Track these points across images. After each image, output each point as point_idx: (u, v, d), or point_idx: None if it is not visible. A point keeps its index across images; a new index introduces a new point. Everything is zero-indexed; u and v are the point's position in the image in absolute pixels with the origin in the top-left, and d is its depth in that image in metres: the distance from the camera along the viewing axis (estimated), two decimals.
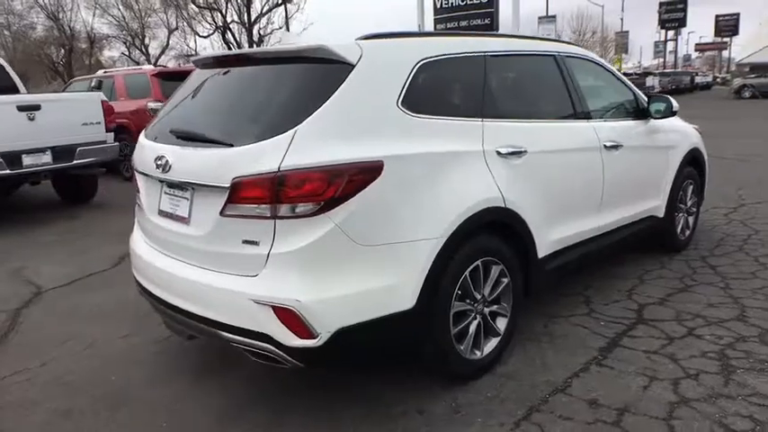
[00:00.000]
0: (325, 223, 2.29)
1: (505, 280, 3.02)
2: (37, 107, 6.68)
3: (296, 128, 2.31)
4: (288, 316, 2.29)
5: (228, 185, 2.35)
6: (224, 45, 33.18)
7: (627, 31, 58.53)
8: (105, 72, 12.06)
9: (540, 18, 36.48)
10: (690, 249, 4.91)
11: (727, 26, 58.49)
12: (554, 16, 38.06)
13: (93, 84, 10.66)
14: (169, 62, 38.03)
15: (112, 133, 7.55)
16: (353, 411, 2.75)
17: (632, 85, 4.30)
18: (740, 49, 59.78)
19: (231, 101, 2.81)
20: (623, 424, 2.55)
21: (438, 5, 16.41)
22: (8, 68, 8.48)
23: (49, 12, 34.88)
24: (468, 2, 15.88)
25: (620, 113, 4.11)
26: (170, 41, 39.13)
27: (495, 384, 2.92)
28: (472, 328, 2.89)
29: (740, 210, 6.24)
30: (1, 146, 6.45)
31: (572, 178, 3.47)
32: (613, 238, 3.91)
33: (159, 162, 2.67)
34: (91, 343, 3.63)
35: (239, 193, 2.34)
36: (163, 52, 39.42)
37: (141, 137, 3.10)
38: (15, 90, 8.24)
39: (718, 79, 54.89)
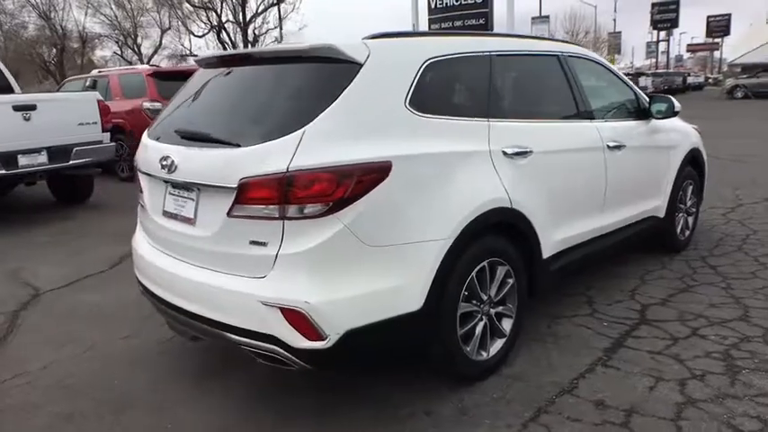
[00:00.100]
0: (333, 224, 2.28)
1: (511, 281, 3.01)
2: (33, 107, 6.62)
3: (304, 128, 2.29)
4: (296, 318, 2.28)
5: (236, 186, 2.33)
6: (219, 44, 33.08)
7: (619, 32, 58.90)
8: (100, 72, 11.97)
9: (533, 18, 36.63)
10: (689, 249, 4.93)
11: (719, 27, 58.78)
12: (547, 17, 38.24)
13: (87, 83, 10.58)
14: (162, 62, 37.90)
15: (109, 133, 7.48)
16: (361, 413, 2.73)
17: (633, 85, 4.31)
18: (731, 49, 60.10)
19: (237, 101, 2.79)
20: (631, 425, 2.54)
21: (433, 5, 16.40)
22: (3, 68, 8.41)
23: (41, 11, 34.68)
24: (463, 2, 15.88)
25: (622, 113, 4.11)
26: (163, 41, 39.01)
27: (502, 385, 2.91)
28: (478, 329, 2.88)
29: (738, 210, 6.27)
30: None
31: (576, 178, 3.47)
32: (616, 238, 3.91)
33: (164, 162, 2.64)
34: (91, 345, 3.59)
35: (247, 193, 2.31)
36: (156, 52, 39.28)
37: (144, 137, 3.07)
38: (10, 90, 8.17)
39: (710, 80, 55.18)
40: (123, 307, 4.15)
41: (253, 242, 2.35)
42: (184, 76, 10.06)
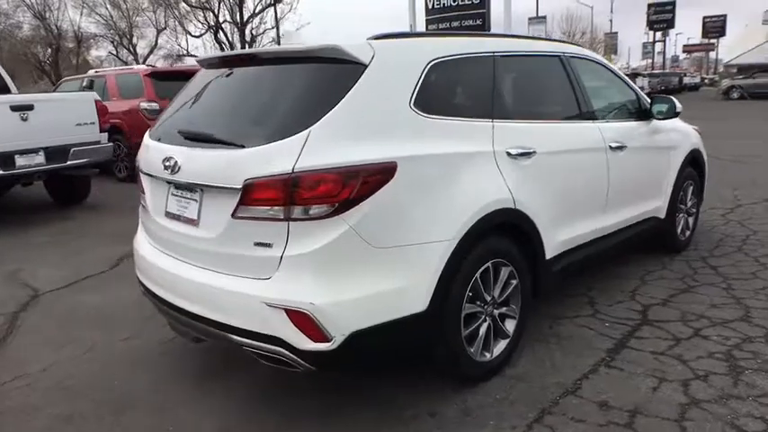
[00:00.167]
0: (339, 225, 2.27)
1: (514, 281, 3.01)
2: (30, 107, 6.58)
3: (309, 129, 2.28)
4: (301, 319, 2.26)
5: (240, 187, 2.32)
6: (216, 45, 33.00)
7: (616, 32, 58.94)
8: (97, 72, 11.93)
9: (530, 19, 36.65)
10: (690, 250, 4.93)
11: (715, 27, 58.97)
12: (544, 17, 38.26)
13: (84, 84, 10.54)
14: (157, 62, 37.77)
15: (106, 134, 7.45)
16: (365, 414, 2.72)
17: (635, 86, 4.31)
18: (727, 50, 60.47)
19: (240, 101, 2.77)
20: (636, 426, 2.54)
21: (430, 6, 16.40)
22: (0, 68, 8.36)
23: (36, 11, 34.55)
24: (460, 2, 15.88)
25: (624, 114, 4.12)
26: (158, 41, 38.90)
27: (505, 386, 2.90)
28: (482, 330, 2.88)
29: (737, 210, 6.28)
30: None
31: (578, 179, 3.46)
32: (617, 239, 3.92)
33: (168, 163, 2.63)
34: (91, 346, 3.58)
35: (252, 194, 2.30)
36: (151, 52, 39.17)
37: (146, 137, 3.05)
38: (7, 90, 8.13)
39: (706, 80, 55.34)
40: (123, 308, 4.13)
41: (257, 243, 2.33)
42: (182, 76, 10.11)
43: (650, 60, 61.41)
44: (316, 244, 2.27)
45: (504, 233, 2.91)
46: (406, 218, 2.44)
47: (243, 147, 2.39)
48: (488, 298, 2.88)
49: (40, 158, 6.74)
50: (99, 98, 7.52)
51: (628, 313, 3.72)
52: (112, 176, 9.79)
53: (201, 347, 3.37)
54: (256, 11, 32.43)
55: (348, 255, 2.31)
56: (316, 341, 2.28)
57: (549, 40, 3.98)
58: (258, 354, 2.45)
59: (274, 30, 31.55)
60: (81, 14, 36.47)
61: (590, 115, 3.66)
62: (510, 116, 3.03)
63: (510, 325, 3.05)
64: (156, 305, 2.96)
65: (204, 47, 34.77)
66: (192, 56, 35.64)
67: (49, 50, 36.92)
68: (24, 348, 3.62)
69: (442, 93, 2.77)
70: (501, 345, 3.00)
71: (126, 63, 35.78)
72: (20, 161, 6.58)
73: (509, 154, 2.91)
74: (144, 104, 9.40)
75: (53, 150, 6.82)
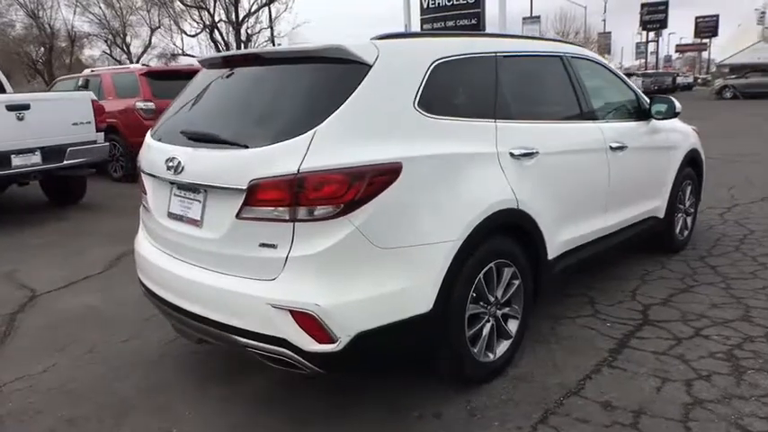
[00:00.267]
0: (344, 226, 2.26)
1: (517, 282, 3.01)
2: (26, 107, 6.54)
3: (315, 129, 2.27)
4: (307, 320, 2.26)
5: (245, 188, 2.31)
6: (211, 44, 32.88)
7: (609, 32, 59.23)
8: (92, 71, 11.86)
9: (524, 19, 36.73)
10: (688, 249, 4.95)
11: (707, 28, 59.27)
12: (538, 17, 38.34)
13: (79, 83, 10.48)
14: (151, 61, 37.61)
15: (103, 133, 7.41)
16: (370, 415, 2.72)
17: (634, 86, 4.32)
18: (720, 50, 60.66)
19: (244, 101, 2.76)
20: (641, 426, 2.54)
21: (425, 5, 16.42)
22: None
23: (29, 9, 34.33)
24: (455, 2, 15.91)
25: (624, 114, 4.13)
26: (152, 40, 38.73)
27: (508, 387, 2.90)
28: (485, 330, 2.87)
29: (734, 210, 6.31)
30: None
31: (580, 179, 3.47)
32: (617, 239, 3.93)
33: (171, 164, 2.61)
34: (91, 348, 3.55)
35: (257, 195, 2.29)
36: (145, 51, 39.00)
37: (148, 137, 3.03)
38: (2, 89, 8.08)
39: (699, 80, 55.58)
40: (122, 309, 4.12)
41: (262, 244, 2.32)
42: (178, 75, 10.08)
43: (643, 60, 61.62)
44: (321, 245, 2.26)
45: (507, 234, 2.91)
46: (410, 218, 2.43)
47: (247, 147, 2.38)
48: (491, 298, 2.87)
49: (36, 158, 6.70)
50: (95, 98, 7.48)
51: (628, 313, 3.72)
52: (107, 176, 9.74)
53: (202, 348, 3.35)
54: (252, 10, 32.34)
55: (353, 256, 2.31)
56: (321, 342, 2.27)
57: (550, 40, 3.98)
58: (262, 355, 2.44)
59: (270, 29, 31.51)
60: (74, 13, 36.30)
61: (591, 115, 3.67)
62: (512, 116, 3.03)
63: (512, 325, 3.06)
64: (157, 306, 2.95)
65: (199, 46, 34.65)
66: (187, 55, 35.52)
67: (42, 49, 36.72)
68: (23, 350, 3.59)
69: (445, 93, 2.77)
70: (504, 345, 3.00)
71: (119, 62, 35.60)
72: (16, 161, 6.53)
73: (512, 154, 2.91)
74: (140, 104, 9.36)
75: (49, 150, 6.77)
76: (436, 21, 16.20)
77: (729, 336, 3.34)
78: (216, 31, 32.86)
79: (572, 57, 3.70)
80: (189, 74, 9.40)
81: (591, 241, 3.62)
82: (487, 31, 14.70)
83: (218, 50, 31.66)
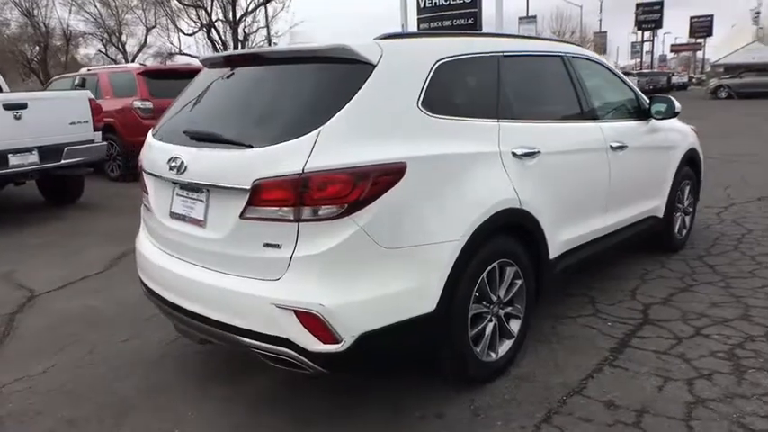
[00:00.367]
0: (349, 226, 2.25)
1: (519, 281, 3.01)
2: (23, 106, 6.50)
3: (319, 129, 2.27)
4: (311, 320, 2.25)
5: (249, 188, 2.30)
6: (209, 43, 32.77)
7: (605, 32, 59.25)
8: (89, 70, 11.82)
9: (520, 18, 36.78)
10: (687, 249, 4.96)
11: (702, 27, 59.41)
12: (534, 16, 38.40)
13: (76, 82, 10.43)
14: (147, 60, 37.48)
15: (100, 132, 7.38)
16: (373, 416, 2.72)
17: (634, 86, 4.33)
18: (714, 50, 60.86)
19: (247, 101, 2.75)
20: (643, 425, 2.55)
21: (422, 5, 16.45)
22: None
23: (24, 8, 34.16)
24: (452, 1, 15.95)
25: (624, 114, 4.14)
26: (148, 39, 38.61)
27: (511, 386, 2.90)
28: (488, 330, 2.88)
29: (731, 209, 6.33)
30: None
31: (581, 179, 3.48)
32: (617, 238, 3.94)
33: (173, 164, 2.60)
34: (91, 348, 3.54)
35: (261, 195, 2.29)
36: (140, 50, 38.88)
37: (149, 137, 3.02)
38: None
39: (694, 80, 55.76)
40: (122, 309, 4.10)
41: (266, 244, 2.32)
42: (175, 74, 10.05)
43: (639, 60, 61.77)
44: (325, 245, 2.25)
45: (509, 233, 2.91)
46: (415, 218, 2.43)
47: (251, 147, 2.37)
48: (494, 298, 2.88)
49: (33, 158, 6.67)
50: (93, 97, 7.45)
51: (629, 312, 3.73)
52: (105, 176, 9.70)
53: (203, 348, 3.34)
54: (249, 9, 32.24)
55: (358, 256, 2.30)
56: (325, 342, 2.27)
57: (551, 40, 3.99)
58: (266, 355, 2.43)
59: (266, 29, 31.43)
60: (69, 12, 36.13)
61: (591, 115, 3.68)
62: (514, 116, 3.03)
63: (515, 325, 3.06)
64: (159, 306, 2.93)
65: (197, 45, 34.55)
66: (184, 54, 35.41)
67: (37, 48, 36.54)
68: (23, 350, 3.57)
69: (448, 93, 2.77)
70: (506, 345, 3.01)
71: (115, 61, 35.48)
72: (13, 160, 6.50)
73: (514, 154, 2.91)
74: (137, 103, 9.33)
75: (47, 149, 6.74)
76: (433, 20, 16.23)
77: (730, 335, 3.35)
78: (213, 30, 32.75)
79: (572, 56, 3.71)
80: (187, 73, 9.46)
81: (591, 241, 3.62)
82: (484, 30, 14.72)
83: (216, 50, 31.56)
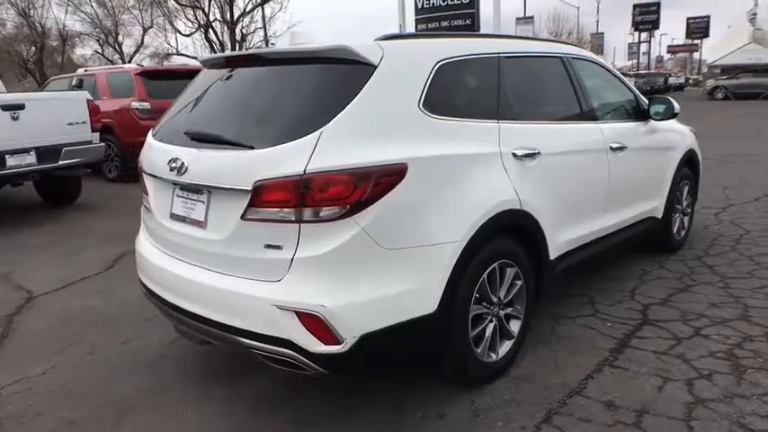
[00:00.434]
0: (350, 227, 2.26)
1: (519, 282, 3.02)
2: (21, 106, 6.49)
3: (321, 130, 2.27)
4: (312, 322, 2.25)
5: (250, 189, 2.30)
6: (206, 44, 32.70)
7: (602, 33, 59.46)
8: (86, 70, 11.80)
9: (517, 19, 36.80)
10: (685, 249, 4.98)
11: (698, 28, 59.50)
12: (532, 17, 38.41)
13: (73, 82, 10.42)
14: (143, 60, 37.40)
15: (98, 133, 7.37)
16: (374, 416, 2.72)
17: (633, 87, 4.34)
18: (711, 51, 60.86)
19: (248, 102, 2.75)
20: (644, 425, 2.55)
21: (419, 6, 16.43)
22: None
23: (20, 8, 34.03)
24: (450, 2, 15.93)
25: (623, 115, 4.15)
26: (145, 39, 38.52)
27: (511, 387, 2.91)
28: (488, 331, 2.88)
29: (729, 210, 6.35)
30: None
31: (580, 180, 3.49)
32: (616, 239, 3.94)
33: (174, 164, 2.60)
34: (91, 349, 3.53)
35: (262, 196, 2.28)
36: (137, 50, 38.78)
37: (149, 138, 3.02)
38: None
39: (691, 80, 55.90)
40: (121, 309, 4.09)
41: (268, 245, 2.32)
42: (173, 75, 10.03)
43: (635, 61, 61.89)
44: (327, 246, 2.25)
45: (509, 234, 2.91)
46: (416, 219, 2.44)
47: (252, 148, 2.37)
48: (494, 299, 2.88)
49: (31, 158, 6.65)
50: (91, 97, 7.44)
51: (628, 313, 3.74)
52: (102, 176, 9.69)
53: (203, 349, 3.34)
54: (247, 10, 32.16)
55: (359, 257, 2.30)
56: (327, 344, 2.27)
57: (551, 41, 4.00)
58: (267, 357, 2.43)
59: (263, 29, 31.35)
60: (66, 12, 36.00)
61: (591, 116, 3.68)
62: (515, 117, 3.04)
63: (515, 326, 3.06)
64: (159, 307, 2.93)
65: (194, 46, 34.46)
66: (182, 55, 35.33)
67: (33, 49, 36.42)
68: (22, 352, 3.57)
69: (449, 94, 2.77)
70: (506, 345, 3.01)
71: (111, 61, 35.39)
72: (10, 161, 6.48)
73: (515, 155, 2.92)
74: (135, 104, 9.32)
75: (44, 150, 6.73)
76: (431, 21, 16.21)
77: (729, 335, 3.36)
78: (211, 30, 32.67)
79: (572, 57, 3.72)
80: (184, 74, 9.47)
81: (591, 241, 3.63)
82: (482, 31, 14.74)
83: (213, 50, 31.49)
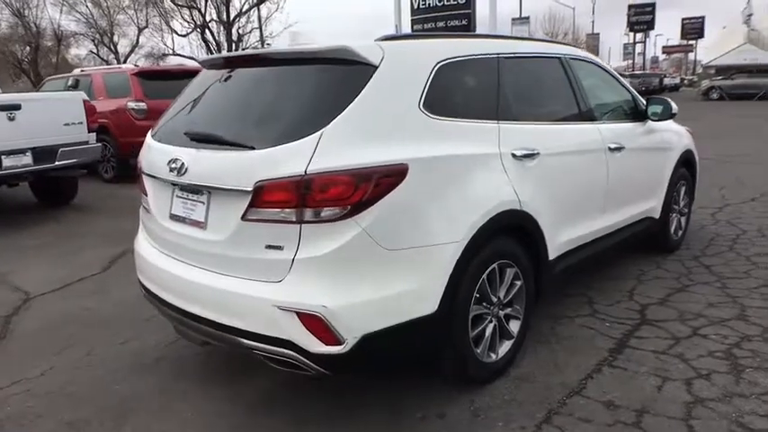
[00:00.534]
0: (351, 227, 2.26)
1: (519, 282, 3.02)
2: (17, 107, 6.45)
3: (321, 130, 2.27)
4: (313, 322, 2.25)
5: (251, 189, 2.30)
6: (202, 44, 32.64)
7: (597, 34, 59.56)
8: (83, 71, 11.76)
9: (513, 19, 36.88)
10: (682, 249, 4.99)
11: (693, 29, 59.69)
12: (527, 18, 38.51)
13: (69, 83, 10.38)
14: (139, 61, 37.29)
15: (94, 134, 7.35)
16: (374, 417, 2.72)
17: (631, 87, 4.35)
18: (705, 51, 61.15)
19: (248, 102, 2.75)
20: (643, 425, 2.56)
21: (415, 6, 16.41)
22: None
23: (14, 8, 33.88)
24: (446, 2, 15.92)
25: (621, 115, 4.16)
26: (140, 40, 38.40)
27: (511, 387, 2.91)
28: (488, 331, 2.89)
29: (725, 210, 6.37)
30: None
31: (579, 180, 3.50)
32: (615, 239, 3.96)
33: (174, 165, 2.59)
34: (89, 350, 3.52)
35: (263, 196, 2.28)
36: (132, 50, 38.67)
37: (148, 138, 3.01)
38: None
39: (686, 81, 56.06)
40: (120, 310, 4.08)
41: (268, 246, 2.31)
42: (170, 75, 10.01)
43: (631, 61, 62.07)
44: (328, 246, 2.25)
45: (509, 234, 2.92)
46: (416, 219, 2.44)
47: (253, 148, 2.37)
48: (494, 299, 2.89)
49: (27, 159, 6.62)
50: (87, 98, 7.42)
51: (627, 313, 3.75)
52: (98, 177, 9.66)
53: (204, 349, 3.33)
54: (243, 10, 32.11)
55: (360, 257, 2.30)
56: (327, 344, 2.27)
57: (549, 41, 4.01)
58: (268, 357, 2.43)
59: (262, 29, 31.32)
60: (60, 12, 35.85)
61: (590, 116, 3.69)
62: (514, 118, 3.04)
63: (514, 326, 3.07)
64: (158, 308, 2.93)
65: (190, 46, 34.36)
66: (178, 55, 35.23)
67: (28, 49, 36.25)
68: (20, 353, 3.55)
69: (449, 94, 2.77)
70: (506, 345, 3.02)
71: (107, 62, 35.28)
72: (6, 162, 6.45)
73: (514, 155, 2.93)
74: (131, 104, 9.29)
75: (41, 151, 6.69)
76: (427, 21, 16.19)
77: (727, 335, 3.37)
78: (207, 30, 32.59)
79: (570, 58, 3.73)
80: (181, 74, 9.46)
81: (590, 241, 3.64)
82: (478, 31, 14.74)
83: (210, 50, 31.43)
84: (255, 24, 32.04)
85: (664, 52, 74.54)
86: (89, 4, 36.42)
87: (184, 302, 2.64)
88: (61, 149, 6.87)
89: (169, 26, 34.89)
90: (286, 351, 2.32)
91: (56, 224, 6.99)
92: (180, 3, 31.67)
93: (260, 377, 3.06)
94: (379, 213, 2.30)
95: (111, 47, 38.77)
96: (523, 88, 3.29)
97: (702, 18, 59.42)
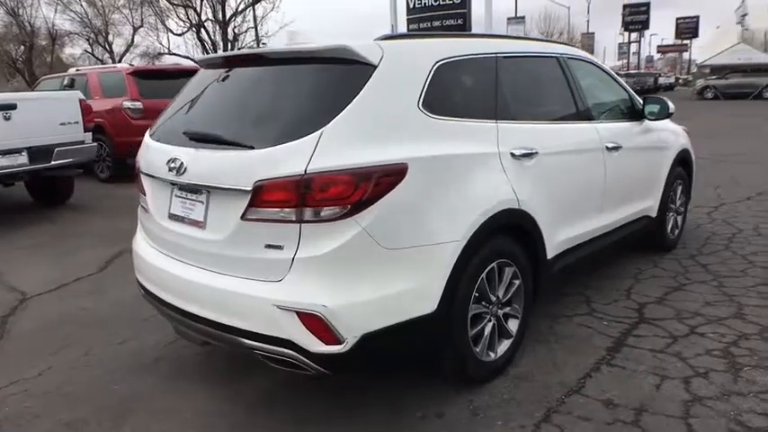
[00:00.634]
0: (351, 227, 2.26)
1: (517, 281, 3.03)
2: (13, 106, 6.43)
3: (321, 130, 2.27)
4: (313, 322, 2.25)
5: (250, 189, 2.30)
6: (198, 43, 32.54)
7: (593, 33, 59.71)
8: (78, 70, 11.72)
9: (509, 19, 36.94)
10: (679, 248, 5.01)
11: (688, 29, 59.86)
12: (523, 17, 38.58)
13: (65, 82, 10.34)
14: (134, 60, 37.18)
15: (90, 133, 7.33)
16: (373, 416, 2.72)
17: (628, 87, 4.37)
18: (700, 51, 61.27)
19: (247, 102, 2.74)
20: (642, 423, 2.57)
21: (411, 5, 16.42)
22: None
23: (9, 7, 33.74)
24: (441, 2, 15.93)
25: (618, 114, 4.17)
26: (135, 39, 38.29)
27: (510, 386, 2.92)
28: (487, 330, 2.89)
29: (721, 209, 6.40)
30: None
31: (577, 179, 3.50)
32: (612, 238, 3.96)
33: (172, 165, 2.59)
34: (87, 350, 3.51)
35: (262, 196, 2.28)
36: (127, 50, 38.56)
37: (147, 138, 3.00)
38: None
39: (680, 80, 56.23)
40: (117, 310, 4.07)
41: (268, 245, 2.31)
42: (166, 75, 9.98)
43: (626, 60, 62.22)
44: (328, 246, 2.25)
45: (508, 233, 2.92)
46: (416, 219, 2.44)
47: (252, 148, 2.37)
48: (493, 298, 2.89)
49: (23, 159, 6.60)
50: (83, 97, 7.39)
51: (624, 312, 3.76)
52: (94, 177, 9.63)
53: (203, 349, 3.32)
54: (239, 9, 32.03)
55: (360, 256, 2.30)
56: (327, 344, 2.27)
57: (547, 41, 4.02)
58: (267, 357, 2.43)
59: (258, 28, 31.22)
60: (55, 11, 35.77)
61: (587, 116, 3.70)
62: (512, 117, 3.05)
63: (513, 325, 3.07)
64: (157, 308, 2.92)
65: (186, 45, 34.28)
66: (174, 54, 35.14)
67: (22, 48, 36.12)
68: (17, 354, 3.54)
69: (448, 94, 2.77)
70: (505, 345, 3.02)
71: (102, 61, 35.17)
72: (2, 161, 6.42)
73: (513, 155, 2.93)
74: (127, 103, 9.26)
75: (37, 150, 6.67)
76: (422, 21, 16.20)
77: (724, 333, 3.38)
78: (203, 29, 32.51)
79: (568, 57, 3.74)
80: (177, 73, 9.44)
81: (588, 240, 3.65)
82: (474, 31, 14.75)
83: (205, 50, 31.35)
84: (251, 24, 31.96)
85: (658, 52, 74.81)
86: (84, 4, 36.34)
87: (184, 302, 2.64)
88: (57, 149, 6.85)
89: (164, 25, 34.80)
90: (286, 351, 2.32)
91: (52, 224, 6.96)
92: (175, 2, 31.57)
93: (260, 377, 3.05)
94: (378, 213, 2.30)
95: (107, 46, 38.67)
96: (521, 88, 3.29)
97: (697, 18, 59.58)
